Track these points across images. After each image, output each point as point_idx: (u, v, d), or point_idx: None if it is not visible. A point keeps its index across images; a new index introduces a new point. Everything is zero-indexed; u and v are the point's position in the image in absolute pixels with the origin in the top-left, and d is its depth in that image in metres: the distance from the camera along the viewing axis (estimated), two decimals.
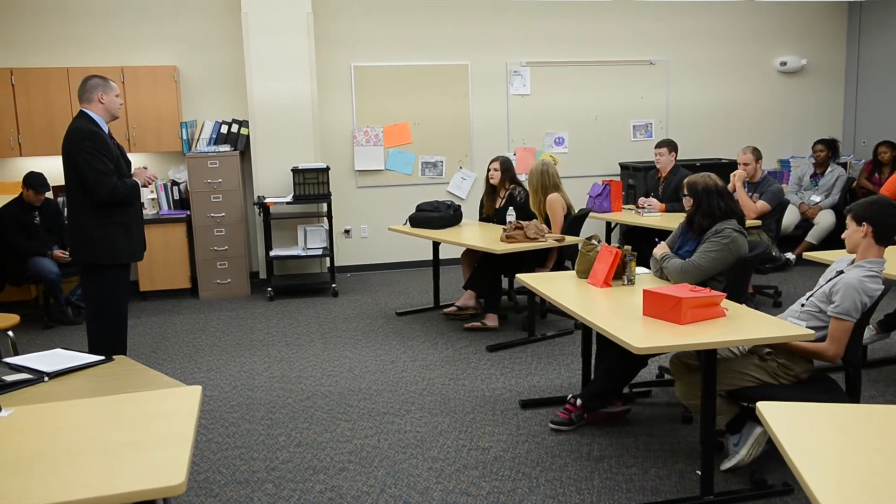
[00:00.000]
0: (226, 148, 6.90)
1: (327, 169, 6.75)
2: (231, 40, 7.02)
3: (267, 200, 6.70)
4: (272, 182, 6.92)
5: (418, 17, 7.53)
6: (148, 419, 2.27)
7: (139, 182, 4.16)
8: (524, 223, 5.23)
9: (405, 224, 6.04)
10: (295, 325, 5.84)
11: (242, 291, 6.87)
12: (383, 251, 7.71)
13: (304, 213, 7.00)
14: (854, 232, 3.22)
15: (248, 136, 6.96)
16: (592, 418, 3.85)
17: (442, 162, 7.76)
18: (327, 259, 6.94)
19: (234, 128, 7.02)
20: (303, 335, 5.58)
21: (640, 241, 5.54)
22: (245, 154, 7.07)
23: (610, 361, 3.80)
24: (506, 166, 5.95)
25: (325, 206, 6.82)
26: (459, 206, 6.13)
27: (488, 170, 6.00)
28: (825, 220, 7.20)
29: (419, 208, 6.05)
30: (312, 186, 6.68)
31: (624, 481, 3.29)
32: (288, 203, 6.72)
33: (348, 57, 7.44)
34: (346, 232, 7.66)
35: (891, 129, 7.86)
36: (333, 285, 6.78)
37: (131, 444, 2.07)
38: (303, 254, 6.81)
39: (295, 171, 6.67)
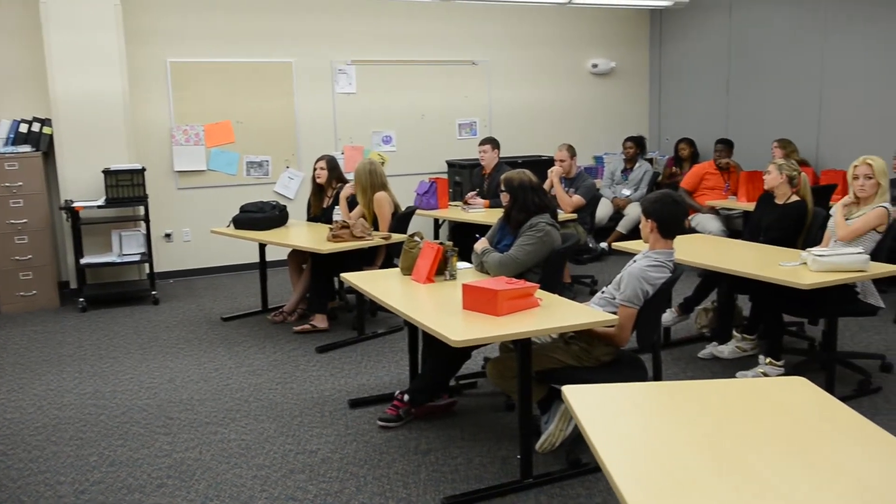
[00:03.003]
0: (26, 148, 6.35)
1: (143, 170, 6.38)
2: (28, 31, 6.46)
3: (75, 205, 6.23)
4: (81, 185, 6.45)
5: (239, 13, 7.30)
6: None
7: None
8: (350, 222, 5.21)
9: (228, 226, 5.84)
10: (110, 337, 5.49)
11: (50, 303, 6.36)
12: (208, 255, 7.41)
13: (119, 218, 6.58)
14: (644, 226, 3.49)
15: (51, 136, 6.45)
16: (420, 413, 3.90)
17: (268, 161, 7.57)
18: (146, 265, 6.56)
19: (36, 127, 6.48)
20: (119, 347, 5.25)
21: (467, 237, 5.68)
22: (49, 155, 6.54)
23: (435, 356, 3.87)
24: (332, 165, 5.90)
25: (141, 209, 6.45)
26: (285, 207, 6.01)
27: (314, 169, 5.93)
28: (633, 211, 7.73)
29: (243, 209, 5.87)
30: (126, 189, 6.29)
31: (450, 472, 3.36)
32: (100, 207, 6.29)
33: (163, 52, 7.08)
34: (167, 236, 7.30)
35: (689, 127, 8.56)
36: (154, 292, 6.43)
37: None
38: (118, 260, 6.41)
39: (106, 172, 6.26)
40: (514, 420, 3.85)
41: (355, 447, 3.62)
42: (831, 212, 4.55)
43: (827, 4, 7.17)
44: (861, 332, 5.21)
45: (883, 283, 5.77)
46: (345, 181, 5.94)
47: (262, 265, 6.07)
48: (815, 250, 4.00)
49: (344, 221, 5.25)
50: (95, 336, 5.52)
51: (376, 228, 5.52)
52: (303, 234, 5.72)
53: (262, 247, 5.99)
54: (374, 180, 5.59)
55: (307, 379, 4.55)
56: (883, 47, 6.72)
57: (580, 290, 6.43)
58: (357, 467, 3.41)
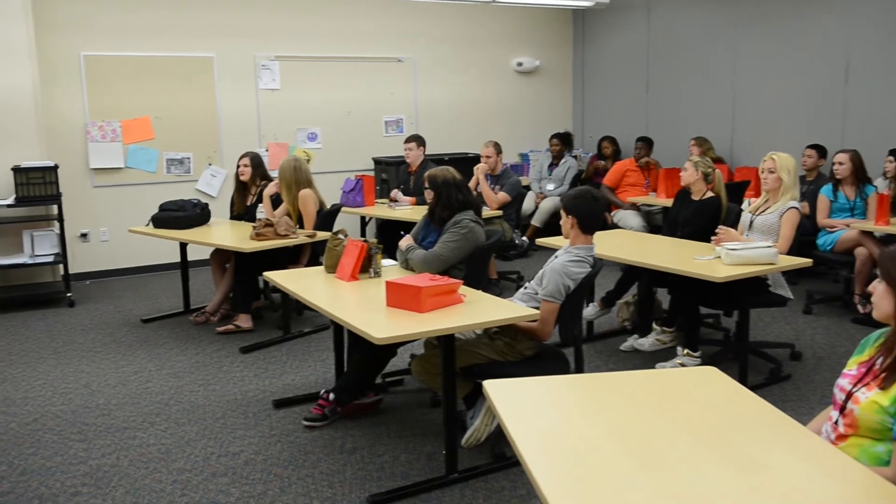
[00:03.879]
0: None
1: (55, 167, 6.14)
2: None
3: None
4: None
5: (157, 5, 7.10)
6: None
7: None
8: (274, 220, 5.14)
9: (147, 225, 5.68)
10: (21, 342, 5.26)
11: None
12: (126, 255, 7.19)
13: (30, 217, 6.30)
14: (564, 222, 3.55)
15: None
16: (346, 411, 3.88)
17: (189, 158, 7.39)
18: (60, 266, 6.32)
19: None
20: (30, 352, 5.04)
21: (394, 235, 5.67)
22: None
23: (360, 354, 3.86)
24: (256, 162, 5.80)
25: (54, 208, 6.21)
26: (207, 205, 5.87)
27: (238, 166, 5.82)
28: (545, 205, 7.83)
29: (162, 208, 5.72)
30: (38, 187, 6.05)
31: (375, 470, 3.35)
32: (9, 206, 6.03)
33: (77, 45, 6.83)
34: (83, 236, 7.05)
35: (611, 125, 8.75)
36: (69, 294, 6.20)
37: None
38: (30, 262, 6.16)
39: (16, 170, 6.01)
40: (440, 416, 3.86)
41: (280, 448, 3.57)
42: (742, 206, 4.73)
43: (739, 6, 7.43)
44: (773, 322, 5.43)
45: (792, 276, 6.03)
46: (269, 179, 5.85)
47: (184, 265, 5.92)
48: (728, 244, 4.14)
49: (268, 219, 5.17)
50: (5, 340, 5.29)
51: (301, 226, 5.45)
52: (225, 233, 5.61)
53: (183, 246, 5.84)
54: (298, 177, 5.52)
55: (230, 380, 4.47)
56: (792, 48, 7.01)
57: (507, 285, 6.50)
58: (281, 468, 3.37)
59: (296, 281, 3.96)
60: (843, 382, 2.16)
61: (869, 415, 2.03)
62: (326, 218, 5.61)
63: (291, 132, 7.86)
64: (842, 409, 2.12)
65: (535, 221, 7.85)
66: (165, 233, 5.54)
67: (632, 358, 4.77)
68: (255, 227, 5.11)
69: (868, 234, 5.30)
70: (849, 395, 2.11)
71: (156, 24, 7.11)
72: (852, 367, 2.19)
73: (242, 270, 5.37)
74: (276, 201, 5.62)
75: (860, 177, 5.68)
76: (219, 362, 4.77)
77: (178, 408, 4.07)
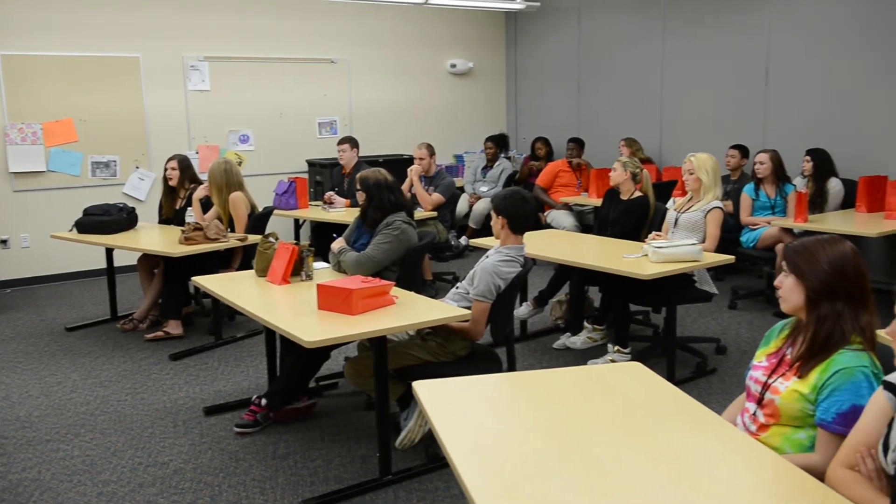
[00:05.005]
0: None
1: None
2: None
3: None
4: None
5: (80, 4, 6.88)
6: None
7: None
8: (204, 224, 5.04)
9: (71, 230, 5.50)
10: None
11: None
12: (49, 262, 6.95)
13: None
14: (495, 223, 3.59)
15: None
16: (279, 416, 3.83)
17: (115, 162, 7.19)
18: None
19: None
20: None
21: (329, 237, 5.62)
22: None
23: (292, 358, 3.82)
24: (184, 165, 5.69)
25: None
26: (134, 209, 5.73)
27: (165, 169, 5.69)
28: (480, 207, 7.89)
29: (87, 212, 5.55)
30: None
31: (308, 474, 3.32)
32: None
33: None
34: (3, 242, 6.79)
35: (544, 126, 8.87)
36: None
37: None
38: None
39: None
40: (374, 419, 3.84)
41: (210, 456, 3.51)
42: (668, 205, 4.85)
43: (666, 11, 7.63)
44: (700, 318, 5.59)
45: (718, 272, 6.23)
46: (198, 182, 5.74)
47: (110, 271, 5.76)
48: (655, 242, 4.25)
49: (197, 223, 5.07)
50: None
51: (232, 230, 5.37)
52: (153, 238, 5.48)
53: (109, 252, 5.68)
54: (229, 180, 5.43)
55: (160, 388, 4.36)
56: (716, 52, 7.22)
57: (442, 286, 6.51)
58: (212, 476, 3.31)
59: (225, 285, 3.89)
60: (757, 374, 2.24)
61: (790, 403, 2.10)
62: (258, 221, 5.53)
63: (222, 134, 7.72)
64: (759, 401, 2.20)
65: (472, 223, 7.89)
66: (90, 238, 5.38)
67: (564, 356, 4.84)
68: (184, 232, 5.00)
69: (788, 230, 5.50)
70: (766, 386, 2.18)
71: (78, 22, 6.90)
72: (761, 359, 2.28)
73: (171, 275, 5.26)
74: (206, 205, 5.51)
75: (780, 176, 5.89)
76: (147, 370, 4.66)
77: (105, 418, 3.96)
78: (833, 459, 1.87)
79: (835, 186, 5.96)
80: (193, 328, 5.46)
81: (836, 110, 6.34)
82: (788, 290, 2.18)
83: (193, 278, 4.10)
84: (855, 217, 5.60)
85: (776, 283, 2.23)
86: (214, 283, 3.93)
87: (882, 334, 1.70)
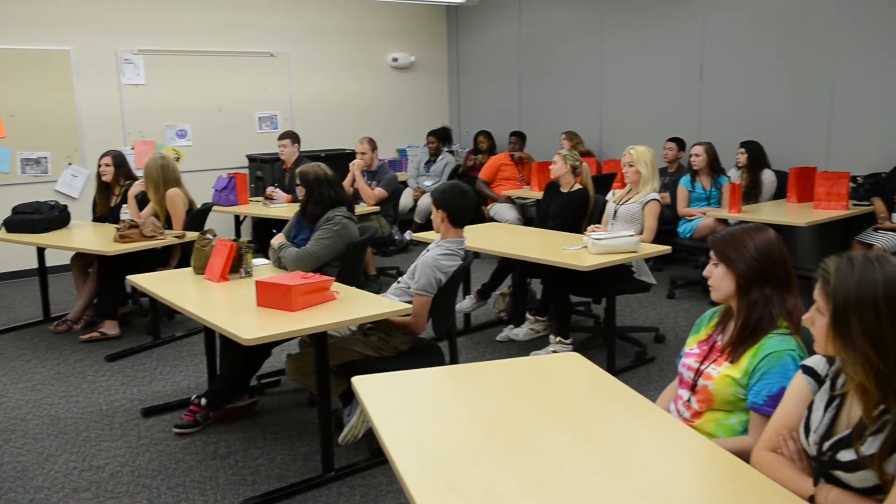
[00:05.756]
0: None
1: None
2: None
3: None
4: None
5: None
6: None
7: None
8: (140, 221, 4.92)
9: (0, 229, 5.31)
10: None
11: None
12: None
13: None
14: (435, 217, 3.59)
15: None
16: (219, 416, 3.77)
17: (46, 158, 6.97)
18: None
19: None
20: None
21: (270, 233, 5.55)
22: None
23: (232, 356, 3.76)
24: (118, 161, 5.54)
25: None
26: (66, 207, 5.55)
27: (99, 165, 5.54)
28: (424, 201, 7.91)
29: (16, 210, 5.36)
30: None
31: (250, 474, 3.28)
32: None
33: None
34: None
35: (487, 120, 8.91)
36: None
37: None
38: None
39: None
40: (316, 415, 3.82)
41: (148, 458, 3.43)
42: (607, 197, 4.93)
43: (604, 6, 7.73)
44: (639, 307, 5.69)
45: (657, 262, 6.36)
46: (134, 178, 5.60)
47: (42, 271, 5.58)
48: (594, 234, 4.31)
49: (132, 221, 4.95)
50: None
51: (170, 227, 5.25)
52: (87, 236, 5.33)
53: (40, 251, 5.51)
54: (166, 176, 5.31)
55: (95, 390, 4.25)
56: (653, 47, 7.35)
57: (386, 281, 6.48)
58: (149, 479, 3.24)
59: (162, 283, 3.81)
60: (689, 361, 2.29)
61: (723, 388, 2.16)
62: (196, 218, 5.43)
63: (159, 129, 7.54)
64: (692, 387, 2.25)
65: (417, 217, 7.89)
66: (20, 237, 5.21)
67: (507, 348, 4.88)
68: (118, 229, 4.88)
69: (723, 221, 5.64)
70: (698, 373, 2.24)
71: (6, 14, 6.65)
72: (692, 346, 2.33)
73: (107, 275, 5.12)
74: (142, 202, 5.39)
75: (715, 168, 6.04)
76: (82, 372, 4.53)
77: (37, 422, 3.84)
78: (757, 443, 1.93)
79: (768, 177, 6.13)
80: (131, 328, 5.33)
81: (768, 103, 6.52)
82: (719, 279, 2.23)
83: (129, 277, 4.00)
84: (786, 207, 5.77)
85: (705, 273, 2.28)
86: (151, 282, 3.85)
87: (804, 319, 1.76)
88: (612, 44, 7.70)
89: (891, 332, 1.53)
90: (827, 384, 1.77)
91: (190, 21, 7.59)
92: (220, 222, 6.16)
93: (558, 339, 4.62)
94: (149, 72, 7.40)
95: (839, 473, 1.65)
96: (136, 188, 5.40)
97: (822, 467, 1.71)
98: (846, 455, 1.64)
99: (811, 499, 1.67)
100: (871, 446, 1.59)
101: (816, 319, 1.67)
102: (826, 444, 1.70)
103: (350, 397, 3.57)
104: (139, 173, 5.58)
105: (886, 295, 1.54)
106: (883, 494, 1.56)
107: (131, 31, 7.28)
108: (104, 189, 5.63)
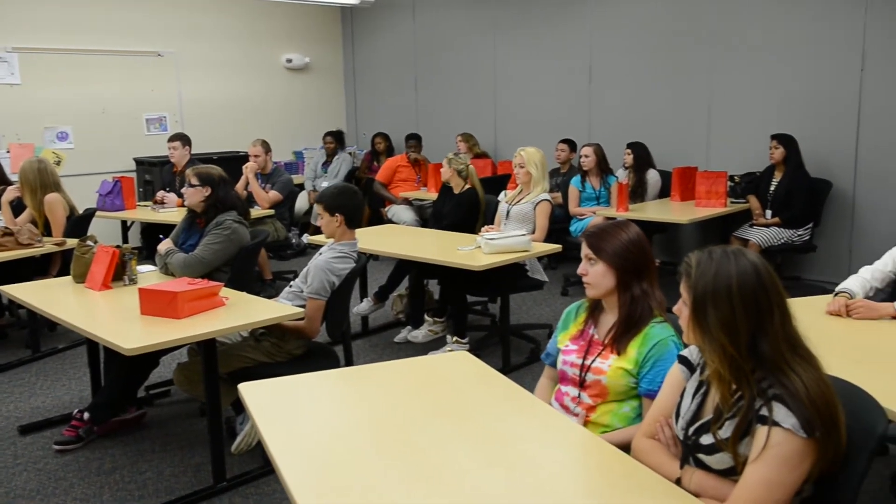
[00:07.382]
0: None
1: None
2: None
3: None
4: None
5: None
6: None
7: None
8: (15, 228, 4.67)
9: None
10: None
11: None
12: None
13: None
14: (329, 221, 3.55)
15: None
16: (104, 430, 3.62)
17: None
18: None
19: None
20: None
21: (158, 239, 5.37)
22: None
23: (117, 367, 3.62)
24: None
25: None
26: None
27: None
28: None
29: None
30: None
31: (137, 489, 3.16)
32: None
33: None
34: None
35: (383, 122, 8.90)
36: None
37: None
38: None
39: None
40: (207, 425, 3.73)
41: (25, 477, 3.26)
42: (499, 198, 5.02)
43: (496, 11, 7.87)
44: (535, 305, 5.82)
45: (551, 261, 6.52)
46: (8, 183, 5.31)
47: None
48: (487, 234, 4.38)
49: (7, 228, 4.69)
50: None
51: (49, 234, 5.00)
52: None
53: None
54: (43, 180, 5.05)
55: None
56: (545, 51, 7.53)
57: (283, 286, 6.35)
58: (27, 500, 3.07)
59: (38, 293, 3.62)
60: (571, 358, 2.36)
61: (616, 380, 2.24)
62: (78, 224, 5.18)
63: (37, 131, 7.17)
64: (581, 383, 2.31)
65: (314, 220, 7.80)
66: None
67: (406, 349, 4.89)
68: None
69: (612, 220, 5.84)
70: (584, 368, 2.30)
71: None
72: (566, 343, 2.41)
73: None
74: (18, 208, 5.10)
75: (603, 168, 6.25)
76: None
77: None
78: (637, 431, 2.01)
79: (653, 177, 6.39)
80: (8, 341, 5.05)
81: (652, 106, 6.80)
82: (599, 276, 2.31)
83: (2, 288, 3.78)
84: (670, 205, 6.03)
85: (580, 271, 2.35)
86: (27, 292, 3.65)
87: (674, 310, 1.85)
88: (505, 46, 7.85)
89: (743, 322, 1.63)
90: (697, 372, 1.87)
91: (69, 18, 7.24)
92: (105, 228, 5.91)
93: (455, 338, 4.67)
94: (24, 71, 7.02)
95: (702, 456, 1.75)
96: (11, 193, 5.11)
97: (687, 451, 1.80)
98: (707, 439, 1.74)
99: (678, 481, 1.76)
100: (727, 430, 1.69)
101: (682, 311, 1.76)
102: (691, 429, 1.79)
103: (242, 405, 3.49)
104: (14, 178, 5.28)
105: (740, 286, 1.64)
106: (737, 475, 1.66)
107: (4, 27, 6.89)
108: None
